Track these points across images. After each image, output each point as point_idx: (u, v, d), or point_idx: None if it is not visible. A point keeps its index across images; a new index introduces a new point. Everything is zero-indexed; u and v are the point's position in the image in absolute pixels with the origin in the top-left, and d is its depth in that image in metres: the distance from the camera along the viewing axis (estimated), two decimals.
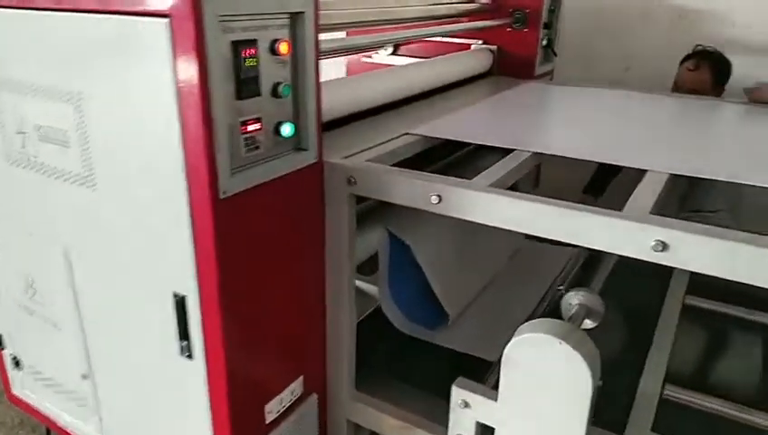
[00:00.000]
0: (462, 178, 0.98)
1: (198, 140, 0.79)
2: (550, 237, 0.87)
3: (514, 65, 1.97)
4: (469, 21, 1.87)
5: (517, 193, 0.90)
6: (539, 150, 1.15)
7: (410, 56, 2.13)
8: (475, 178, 0.97)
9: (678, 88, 2.04)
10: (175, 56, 0.77)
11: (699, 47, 2.07)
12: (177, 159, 0.83)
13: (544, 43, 1.95)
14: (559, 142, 1.29)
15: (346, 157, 1.07)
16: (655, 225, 0.79)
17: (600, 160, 1.19)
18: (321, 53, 0.96)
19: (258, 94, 0.87)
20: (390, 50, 2.17)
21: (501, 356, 0.87)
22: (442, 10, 1.76)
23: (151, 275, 0.96)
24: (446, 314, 1.35)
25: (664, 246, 0.78)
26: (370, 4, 1.50)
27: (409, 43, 2.15)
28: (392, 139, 1.21)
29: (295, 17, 0.91)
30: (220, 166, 0.82)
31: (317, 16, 0.93)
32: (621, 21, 2.43)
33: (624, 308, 1.47)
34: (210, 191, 0.82)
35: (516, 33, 1.94)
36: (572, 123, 1.51)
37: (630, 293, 1.54)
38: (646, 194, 0.93)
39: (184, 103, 0.79)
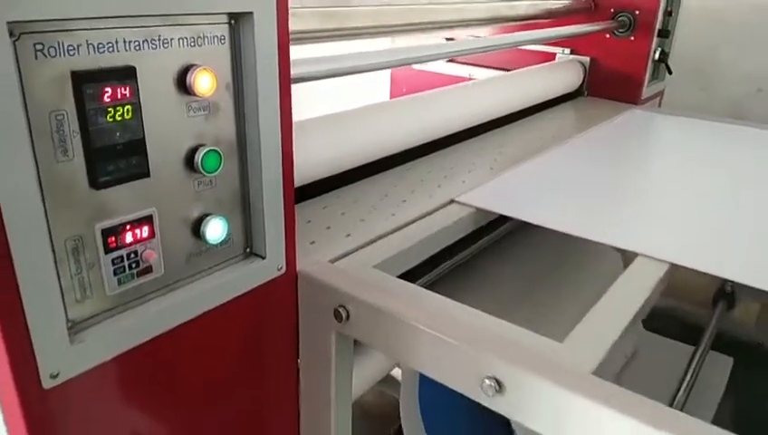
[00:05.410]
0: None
1: None
2: None
3: (613, 84, 1.46)
4: (554, 23, 1.37)
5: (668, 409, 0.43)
6: (682, 262, 0.66)
7: (471, 64, 1.66)
8: (565, 342, 0.50)
9: None
10: None
11: None
12: None
13: (656, 56, 1.44)
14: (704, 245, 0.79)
15: (337, 258, 0.63)
16: None
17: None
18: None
19: (144, 174, 0.44)
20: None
21: None
22: (518, 9, 1.27)
23: None
24: None
25: None
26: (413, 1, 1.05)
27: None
28: (428, 213, 0.76)
29: (238, 21, 0.48)
30: (37, 334, 0.39)
31: (283, 17, 0.49)
32: (754, 26, 1.86)
33: None
34: (14, 379, 0.39)
35: (617, 41, 1.43)
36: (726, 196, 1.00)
37: None
38: None
39: None
